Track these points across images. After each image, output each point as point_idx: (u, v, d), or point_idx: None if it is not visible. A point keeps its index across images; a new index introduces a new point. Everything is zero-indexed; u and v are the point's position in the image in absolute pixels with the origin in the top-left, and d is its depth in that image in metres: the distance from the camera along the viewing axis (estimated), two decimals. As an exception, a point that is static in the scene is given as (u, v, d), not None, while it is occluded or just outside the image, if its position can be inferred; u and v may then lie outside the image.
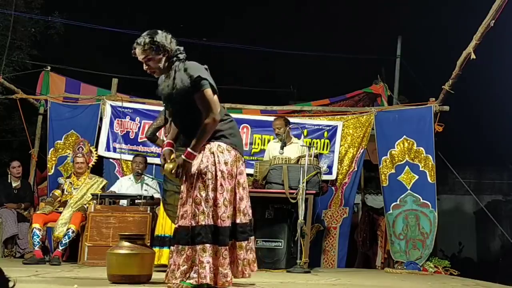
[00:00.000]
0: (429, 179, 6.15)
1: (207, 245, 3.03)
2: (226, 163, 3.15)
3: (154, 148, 6.45)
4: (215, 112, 3.08)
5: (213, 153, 3.15)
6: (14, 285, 2.07)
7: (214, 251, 3.07)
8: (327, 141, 6.60)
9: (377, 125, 6.50)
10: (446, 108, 6.38)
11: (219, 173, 3.12)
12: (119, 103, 6.76)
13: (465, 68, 5.52)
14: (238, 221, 3.21)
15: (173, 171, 3.11)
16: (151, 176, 6.09)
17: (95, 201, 5.41)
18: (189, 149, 3.07)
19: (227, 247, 3.12)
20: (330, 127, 6.65)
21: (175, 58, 3.16)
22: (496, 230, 15.19)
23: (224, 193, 3.12)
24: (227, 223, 3.12)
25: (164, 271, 3.26)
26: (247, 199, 3.29)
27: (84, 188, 5.73)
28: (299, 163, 5.36)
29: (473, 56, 5.08)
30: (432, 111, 6.33)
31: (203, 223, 3.04)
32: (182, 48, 3.22)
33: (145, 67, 3.21)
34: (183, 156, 3.08)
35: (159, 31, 3.17)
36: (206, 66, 3.24)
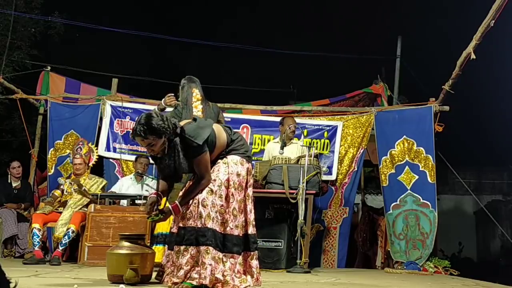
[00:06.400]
0: (429, 179, 6.14)
1: (211, 248, 3.07)
2: (238, 175, 3.26)
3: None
4: (210, 173, 3.18)
5: (227, 163, 3.25)
6: (15, 286, 2.07)
7: (219, 257, 3.09)
8: (327, 141, 6.60)
9: (377, 125, 6.49)
10: (446, 108, 6.38)
11: (231, 183, 3.22)
12: (119, 103, 6.76)
13: (465, 68, 5.51)
14: (249, 232, 3.31)
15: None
16: (151, 176, 6.09)
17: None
18: (177, 203, 3.17)
19: (234, 255, 3.17)
20: (330, 127, 6.64)
21: (173, 136, 3.11)
22: (496, 230, 15.22)
23: (234, 203, 3.22)
24: (236, 232, 3.20)
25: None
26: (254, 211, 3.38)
27: (84, 188, 5.72)
28: (299, 163, 5.35)
29: (473, 56, 5.08)
30: (432, 111, 6.32)
31: (209, 226, 3.10)
32: (177, 122, 3.17)
33: (149, 151, 3.17)
34: (170, 207, 3.17)
35: (153, 115, 3.08)
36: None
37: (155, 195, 3.27)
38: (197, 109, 4.59)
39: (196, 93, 4.65)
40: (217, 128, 3.31)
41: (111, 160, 6.67)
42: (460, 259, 14.67)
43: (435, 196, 6.14)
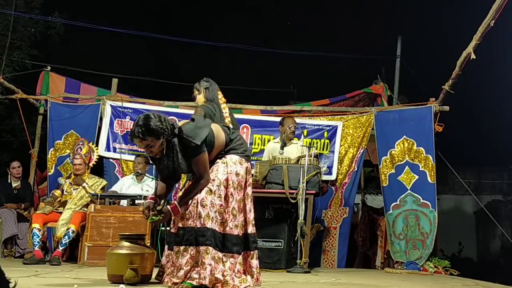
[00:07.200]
0: (429, 179, 6.14)
1: (211, 248, 3.06)
2: (237, 174, 3.25)
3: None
4: (208, 173, 3.17)
5: (225, 163, 3.24)
6: (15, 286, 2.07)
7: (218, 256, 3.09)
8: (327, 141, 6.60)
9: (377, 125, 6.49)
10: (446, 108, 6.38)
11: (230, 182, 3.21)
12: (119, 103, 6.75)
13: (465, 68, 5.51)
14: (249, 231, 3.30)
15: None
16: (151, 177, 6.09)
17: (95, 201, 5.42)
18: (176, 203, 3.15)
19: (233, 255, 3.16)
20: (330, 127, 6.64)
21: (171, 136, 3.11)
22: (496, 230, 15.23)
23: (233, 202, 3.21)
24: (235, 231, 3.19)
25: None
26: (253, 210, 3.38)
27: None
28: (299, 163, 5.35)
29: (473, 56, 5.08)
30: (432, 111, 6.32)
31: (208, 226, 3.09)
32: (175, 123, 3.17)
33: (147, 152, 3.17)
34: (169, 207, 3.15)
35: (151, 116, 3.07)
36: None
37: (151, 200, 3.25)
38: (225, 110, 4.64)
39: (221, 96, 4.71)
40: (216, 128, 3.30)
41: (111, 160, 6.67)
42: (460, 259, 14.69)
43: (435, 196, 6.14)
